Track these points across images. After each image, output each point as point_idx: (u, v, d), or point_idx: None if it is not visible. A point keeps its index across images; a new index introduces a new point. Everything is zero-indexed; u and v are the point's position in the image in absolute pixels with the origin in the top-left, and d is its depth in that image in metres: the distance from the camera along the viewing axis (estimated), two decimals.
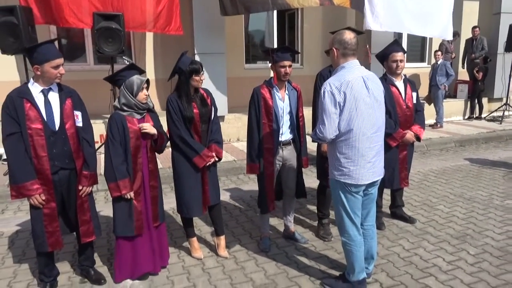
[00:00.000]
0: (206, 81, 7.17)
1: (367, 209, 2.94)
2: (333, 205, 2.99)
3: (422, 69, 10.59)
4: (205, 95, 3.42)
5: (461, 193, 5.07)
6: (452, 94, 10.36)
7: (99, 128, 6.51)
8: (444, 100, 9.25)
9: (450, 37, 8.63)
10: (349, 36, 2.68)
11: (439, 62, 8.88)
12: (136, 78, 2.92)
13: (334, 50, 2.73)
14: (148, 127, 2.97)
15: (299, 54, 9.62)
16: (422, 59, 11.05)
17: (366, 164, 2.69)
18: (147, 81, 2.97)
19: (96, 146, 4.26)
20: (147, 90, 2.96)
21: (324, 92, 2.63)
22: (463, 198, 4.89)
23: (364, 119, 2.62)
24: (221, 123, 7.44)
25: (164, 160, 6.34)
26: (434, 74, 8.91)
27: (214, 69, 7.25)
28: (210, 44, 7.21)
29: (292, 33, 9.72)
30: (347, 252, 2.92)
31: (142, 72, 3.05)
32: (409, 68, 10.86)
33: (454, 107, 10.02)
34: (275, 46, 9.53)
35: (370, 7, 7.30)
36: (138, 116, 2.97)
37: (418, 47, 11.00)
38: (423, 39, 10.96)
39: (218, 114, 3.60)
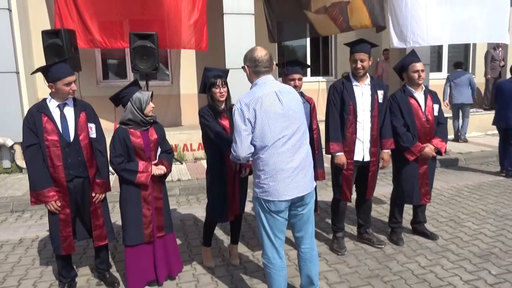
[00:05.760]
0: (234, 94, 7.36)
1: (303, 231, 2.76)
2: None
3: None
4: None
5: (494, 210, 4.77)
6: None
7: None
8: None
9: (506, 40, 8.12)
10: (260, 53, 2.62)
11: None
12: (141, 94, 3.09)
13: (246, 67, 2.69)
14: (158, 171, 3.13)
15: (334, 68, 9.59)
16: (465, 70, 10.49)
17: (285, 179, 2.54)
18: (151, 95, 3.16)
19: None
20: (151, 102, 3.14)
21: (234, 110, 2.59)
22: (495, 215, 4.60)
23: (278, 133, 2.52)
24: None
25: (193, 172, 6.56)
26: None
27: (243, 82, 7.39)
28: (240, 59, 7.37)
29: (326, 47, 9.72)
30: (267, 275, 2.77)
31: (140, 88, 3.20)
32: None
33: None
34: (308, 60, 9.59)
35: (393, 25, 7.08)
36: (142, 129, 3.12)
37: (460, 58, 10.49)
38: (466, 48, 10.47)
39: None
